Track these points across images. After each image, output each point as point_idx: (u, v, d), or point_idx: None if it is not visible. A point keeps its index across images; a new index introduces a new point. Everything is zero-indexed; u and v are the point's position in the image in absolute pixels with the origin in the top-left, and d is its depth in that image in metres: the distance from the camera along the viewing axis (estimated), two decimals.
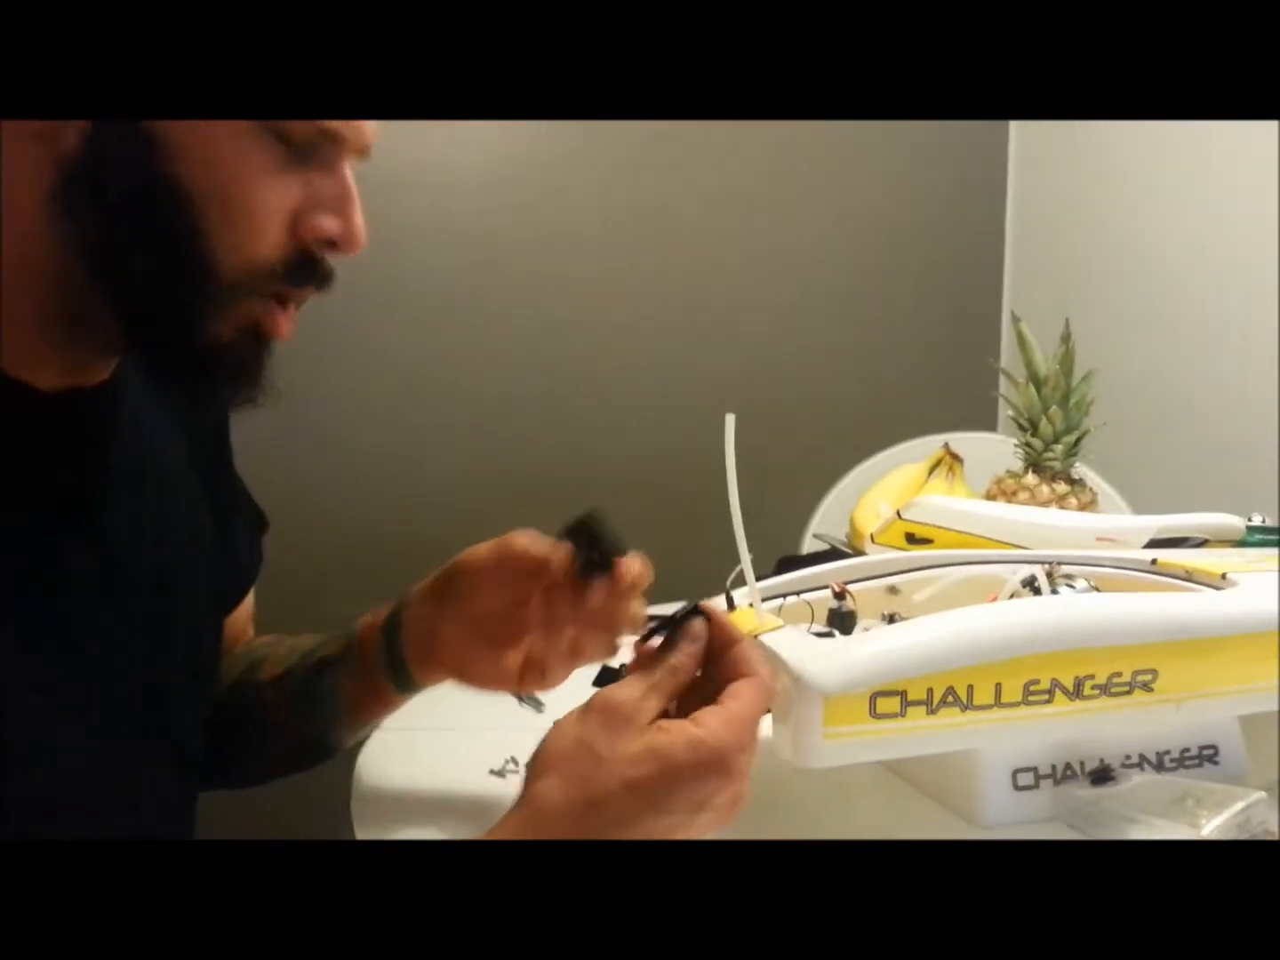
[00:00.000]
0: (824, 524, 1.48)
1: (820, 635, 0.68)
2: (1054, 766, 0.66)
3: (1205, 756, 0.69)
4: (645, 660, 0.53)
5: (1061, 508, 1.06)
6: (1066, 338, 1.07)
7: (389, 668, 0.68)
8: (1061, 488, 1.07)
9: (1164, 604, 0.65)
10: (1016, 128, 1.79)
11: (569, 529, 0.62)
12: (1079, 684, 0.62)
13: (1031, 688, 0.61)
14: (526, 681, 0.66)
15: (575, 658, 0.65)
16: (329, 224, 0.55)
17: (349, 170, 0.56)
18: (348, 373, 1.44)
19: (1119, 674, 0.63)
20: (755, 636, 0.63)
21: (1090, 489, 1.09)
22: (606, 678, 0.57)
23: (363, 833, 0.65)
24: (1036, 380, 1.09)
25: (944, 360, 1.75)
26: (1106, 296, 1.63)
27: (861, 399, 1.73)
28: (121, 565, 0.57)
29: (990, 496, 1.11)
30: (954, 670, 0.59)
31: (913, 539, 0.97)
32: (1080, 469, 1.13)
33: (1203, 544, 0.94)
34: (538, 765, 0.49)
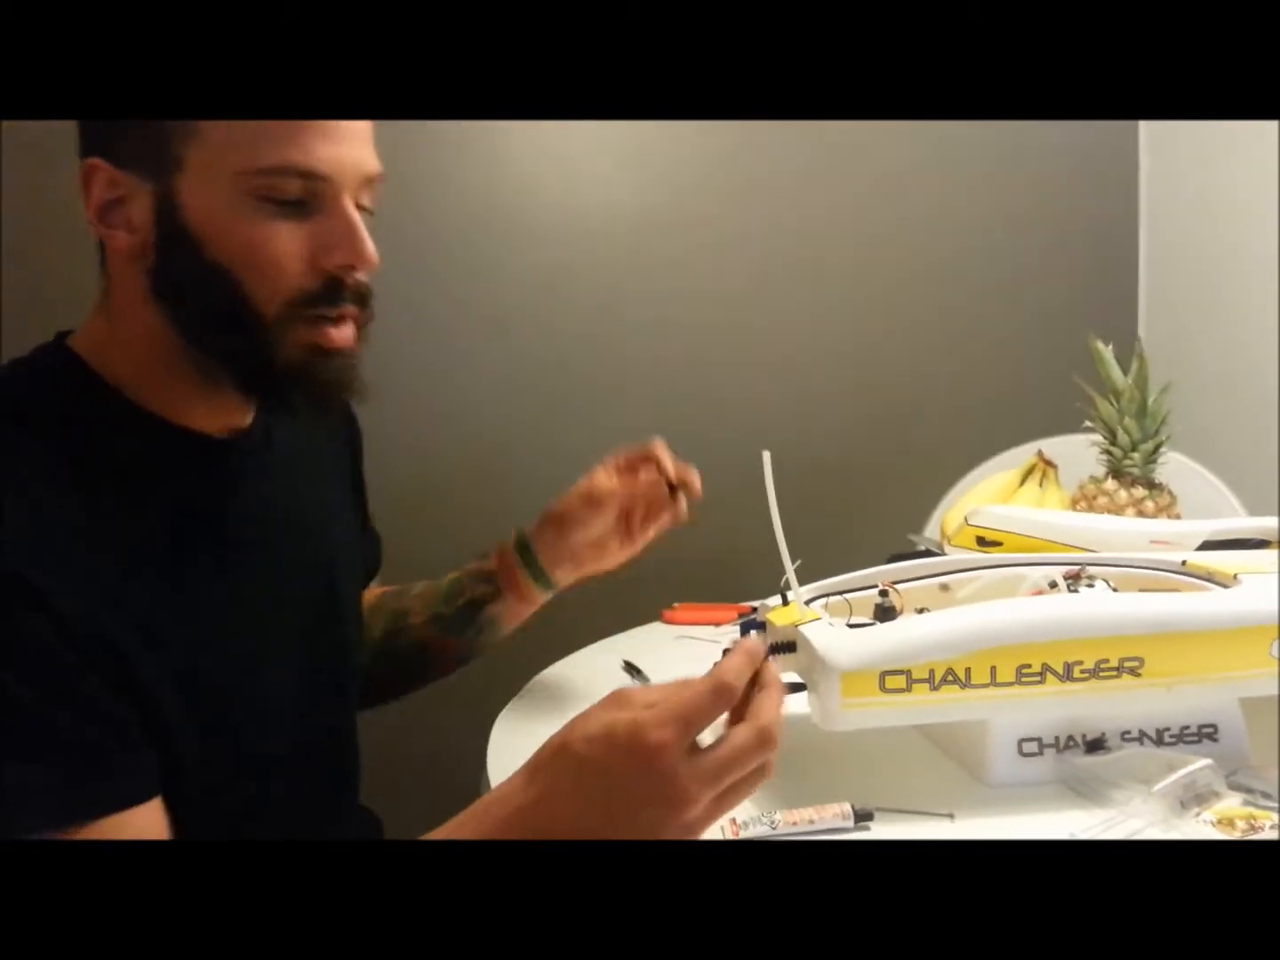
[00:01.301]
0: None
1: (857, 626, 0.82)
2: (1057, 737, 0.77)
3: (1205, 734, 0.79)
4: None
5: (1139, 511, 1.15)
6: (1140, 355, 1.15)
7: (533, 578, 0.95)
8: (1140, 492, 1.15)
9: (1147, 602, 0.76)
10: (1146, 141, 1.81)
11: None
12: (1068, 668, 0.74)
13: (1024, 670, 0.74)
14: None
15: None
16: (339, 256, 0.67)
17: (349, 207, 0.68)
18: (499, 369, 1.62)
19: (1106, 660, 0.74)
20: (796, 626, 0.78)
21: (1169, 493, 1.16)
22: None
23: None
24: (1115, 393, 1.17)
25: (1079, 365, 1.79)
26: (1238, 304, 1.65)
27: (996, 402, 1.79)
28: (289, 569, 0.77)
29: (1075, 501, 1.21)
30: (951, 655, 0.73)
31: (983, 542, 1.08)
32: (1183, 468, 1.21)
33: (1260, 545, 1.02)
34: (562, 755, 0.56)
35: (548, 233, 1.61)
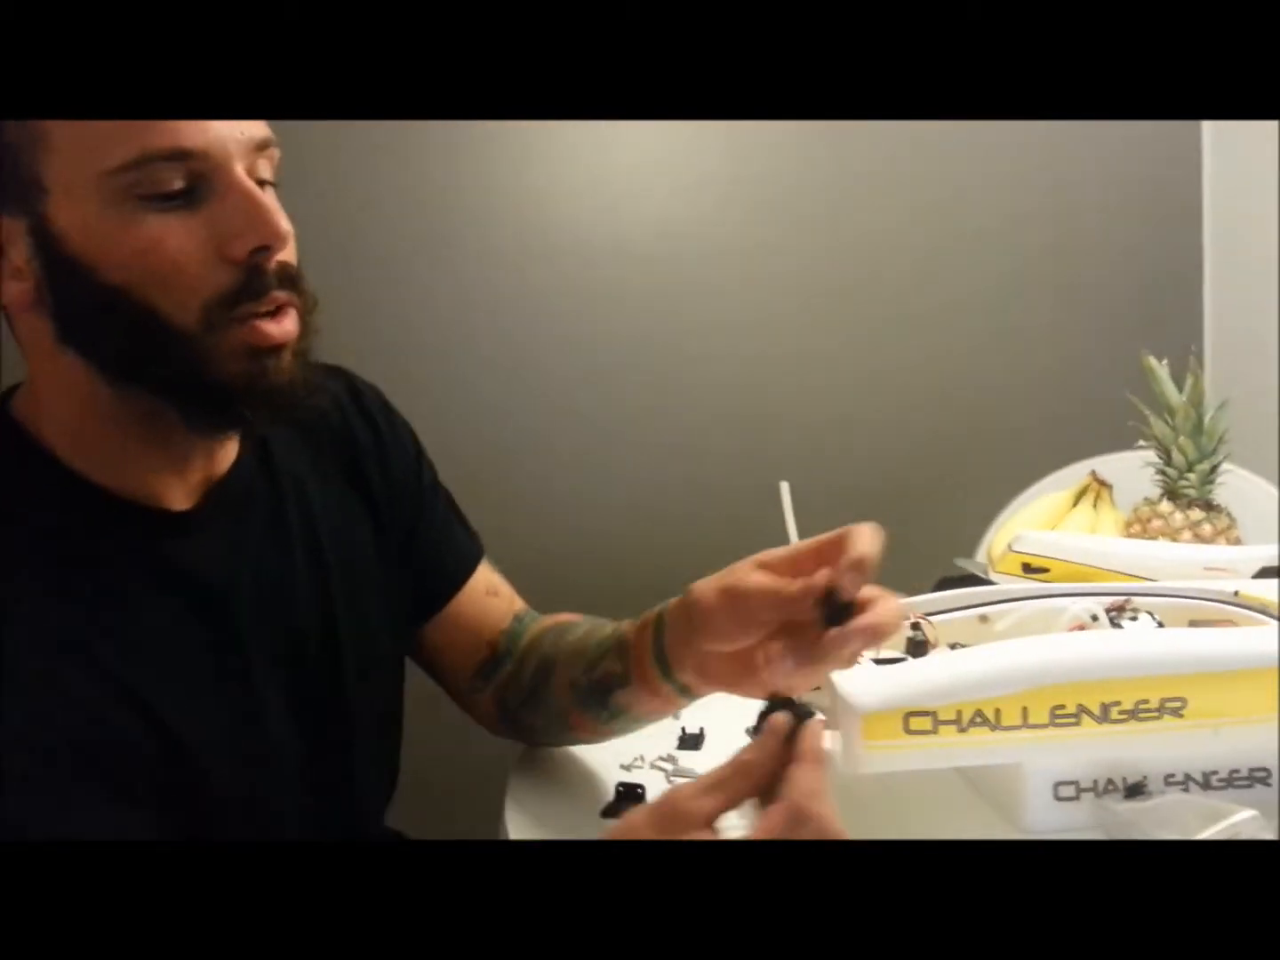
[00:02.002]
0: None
1: (885, 662, 0.79)
2: (1095, 781, 0.74)
3: (1257, 778, 0.75)
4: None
5: (1195, 534, 1.10)
6: (1195, 371, 1.10)
7: (673, 687, 0.75)
8: (1196, 514, 1.11)
9: (1189, 639, 0.72)
10: (1209, 142, 1.75)
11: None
12: (1105, 709, 0.70)
13: (1057, 711, 0.70)
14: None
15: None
16: (248, 239, 0.60)
17: (244, 180, 0.60)
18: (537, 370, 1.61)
19: (1145, 701, 0.71)
20: None
21: (1227, 515, 1.11)
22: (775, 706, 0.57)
23: (513, 806, 0.82)
24: (1170, 411, 1.12)
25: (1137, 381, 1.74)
26: None
27: (1051, 419, 1.74)
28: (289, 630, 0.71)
29: (1128, 524, 1.16)
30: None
31: (1029, 569, 1.05)
32: (1247, 490, 1.16)
33: None
34: (610, 829, 0.55)
35: (591, 253, 1.61)
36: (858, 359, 1.69)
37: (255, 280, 0.61)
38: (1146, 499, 1.15)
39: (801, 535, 0.74)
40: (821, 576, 0.64)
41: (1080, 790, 0.74)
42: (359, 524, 0.79)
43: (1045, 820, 0.73)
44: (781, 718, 0.54)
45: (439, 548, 0.85)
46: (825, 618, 0.63)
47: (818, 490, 1.63)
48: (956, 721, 0.70)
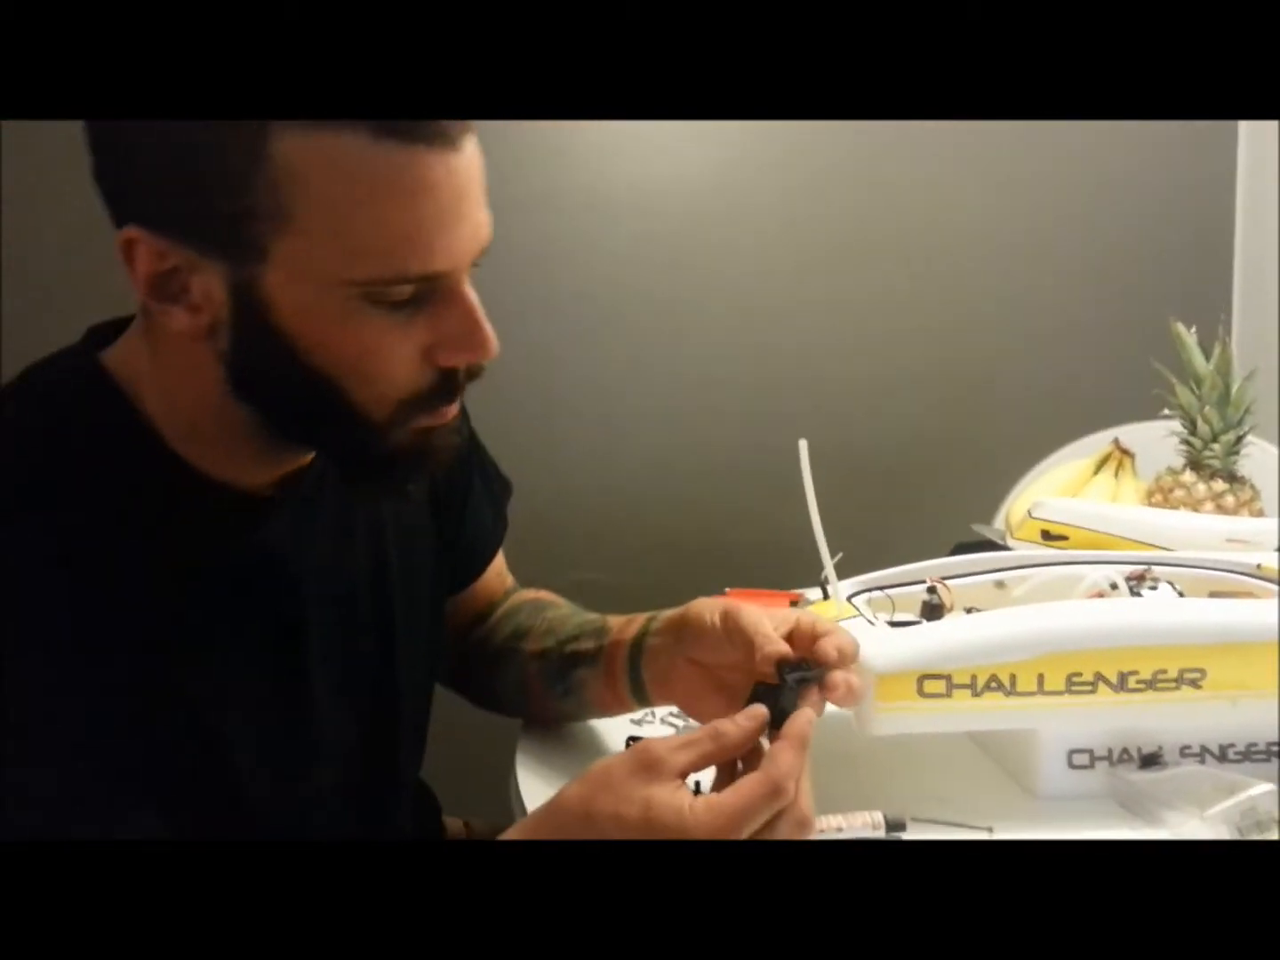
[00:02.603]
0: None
1: (900, 625, 0.78)
2: (1110, 749, 0.73)
3: (1275, 752, 0.74)
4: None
5: (1218, 506, 1.08)
6: (1224, 340, 1.08)
7: (631, 683, 0.76)
8: (1219, 486, 1.09)
9: (1210, 609, 0.71)
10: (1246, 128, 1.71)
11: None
12: (1123, 678, 0.70)
13: (1074, 678, 0.70)
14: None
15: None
16: (459, 353, 0.60)
17: (469, 295, 0.59)
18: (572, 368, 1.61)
19: (1164, 671, 0.70)
20: (835, 622, 0.74)
21: (1251, 487, 1.10)
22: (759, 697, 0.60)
23: (523, 763, 0.82)
24: (1196, 380, 1.11)
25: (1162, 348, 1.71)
26: None
27: (1073, 385, 1.72)
28: (345, 613, 0.70)
29: (1150, 494, 1.14)
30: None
31: (1048, 536, 1.03)
32: (1273, 461, 1.14)
33: None
34: (587, 770, 0.56)
35: (612, 208, 1.58)
36: (877, 321, 1.67)
37: (452, 383, 0.61)
38: (1169, 468, 1.13)
39: (819, 496, 0.73)
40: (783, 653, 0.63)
41: (1094, 759, 0.73)
42: (419, 507, 0.79)
43: (1058, 787, 0.73)
44: (762, 710, 0.57)
45: (476, 532, 0.86)
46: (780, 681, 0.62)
47: (836, 453, 1.63)
48: (971, 686, 0.69)
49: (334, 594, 0.70)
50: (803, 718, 0.57)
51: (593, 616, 0.84)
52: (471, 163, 0.57)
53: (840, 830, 0.66)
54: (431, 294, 0.58)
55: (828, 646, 0.63)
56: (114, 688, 0.55)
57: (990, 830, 0.69)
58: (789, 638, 0.65)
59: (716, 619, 0.69)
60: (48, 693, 0.54)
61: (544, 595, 0.91)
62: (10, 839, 0.51)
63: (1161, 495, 1.12)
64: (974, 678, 0.69)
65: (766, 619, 0.67)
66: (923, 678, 0.69)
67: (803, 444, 0.72)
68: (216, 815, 0.60)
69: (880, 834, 0.66)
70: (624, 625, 0.79)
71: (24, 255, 1.35)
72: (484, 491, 0.87)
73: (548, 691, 0.82)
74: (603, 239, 1.58)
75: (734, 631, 0.67)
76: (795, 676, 0.61)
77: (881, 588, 0.83)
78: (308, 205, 0.54)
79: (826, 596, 0.80)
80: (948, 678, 0.69)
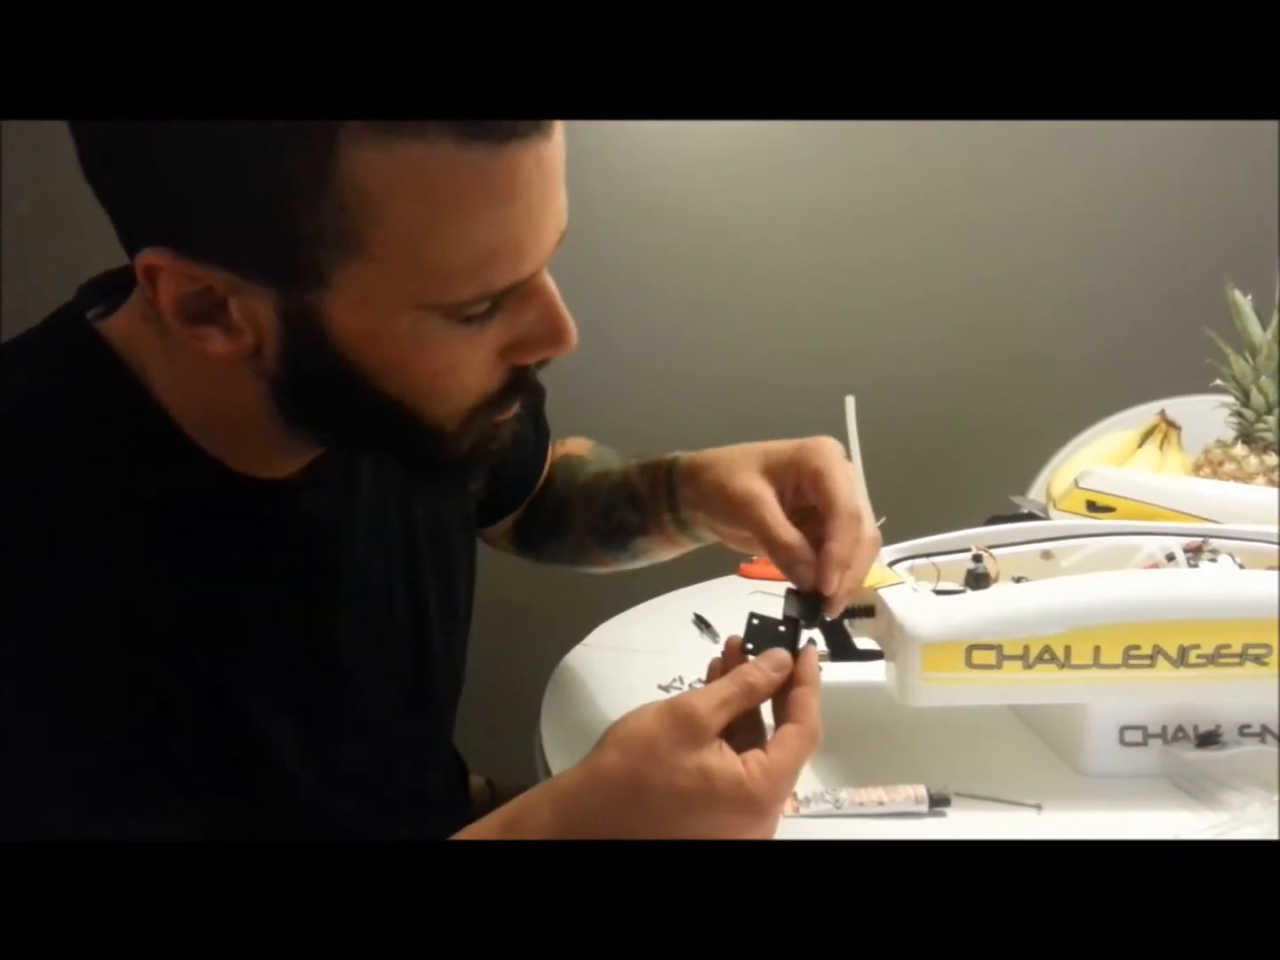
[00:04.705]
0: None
1: (945, 594, 0.75)
2: (1164, 727, 0.69)
3: None
4: (731, 671, 0.56)
5: (1270, 481, 1.04)
6: None
7: (683, 534, 0.77)
8: (1272, 460, 1.05)
9: (1274, 584, 0.67)
10: None
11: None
12: (1183, 652, 0.66)
13: (1132, 651, 0.66)
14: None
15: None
16: (539, 350, 0.54)
17: (550, 289, 0.53)
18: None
19: (1228, 645, 0.66)
20: (875, 590, 0.71)
21: None
22: (758, 632, 0.59)
23: (548, 723, 0.80)
24: (1251, 349, 1.06)
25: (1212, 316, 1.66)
26: None
27: (1117, 355, 1.67)
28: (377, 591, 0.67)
29: (1198, 467, 1.10)
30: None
31: (1094, 507, 0.99)
32: None
33: None
34: (613, 735, 0.53)
35: (651, 175, 1.54)
36: (916, 286, 1.63)
37: (524, 381, 0.56)
38: (1219, 441, 1.09)
39: (863, 453, 0.69)
40: (806, 560, 0.63)
41: (1148, 736, 0.70)
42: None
43: (1107, 764, 0.70)
44: (786, 657, 0.56)
45: (519, 458, 0.82)
46: (793, 607, 0.63)
47: (873, 419, 1.59)
48: (1023, 657, 0.66)
49: (365, 568, 0.66)
50: (811, 656, 0.57)
51: (616, 477, 0.82)
52: (560, 145, 0.50)
53: (882, 803, 0.63)
54: (510, 297, 0.52)
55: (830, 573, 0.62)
56: (139, 676, 0.51)
57: (1039, 808, 0.66)
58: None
59: (715, 491, 0.70)
60: (71, 688, 0.49)
61: (571, 450, 0.87)
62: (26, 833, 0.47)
63: (1211, 468, 1.08)
64: (1026, 649, 0.66)
65: (764, 509, 0.66)
66: (972, 648, 0.66)
67: (850, 401, 0.68)
68: (249, 791, 0.56)
69: (923, 809, 0.63)
70: (651, 490, 0.78)
71: (24, 256, 1.32)
72: (533, 419, 0.82)
73: (618, 559, 0.83)
74: (630, 201, 1.54)
75: (735, 512, 0.68)
76: (795, 611, 0.61)
77: (924, 555, 0.79)
78: (381, 229, 0.47)
79: None
80: (998, 648, 0.66)
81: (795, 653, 0.57)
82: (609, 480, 0.82)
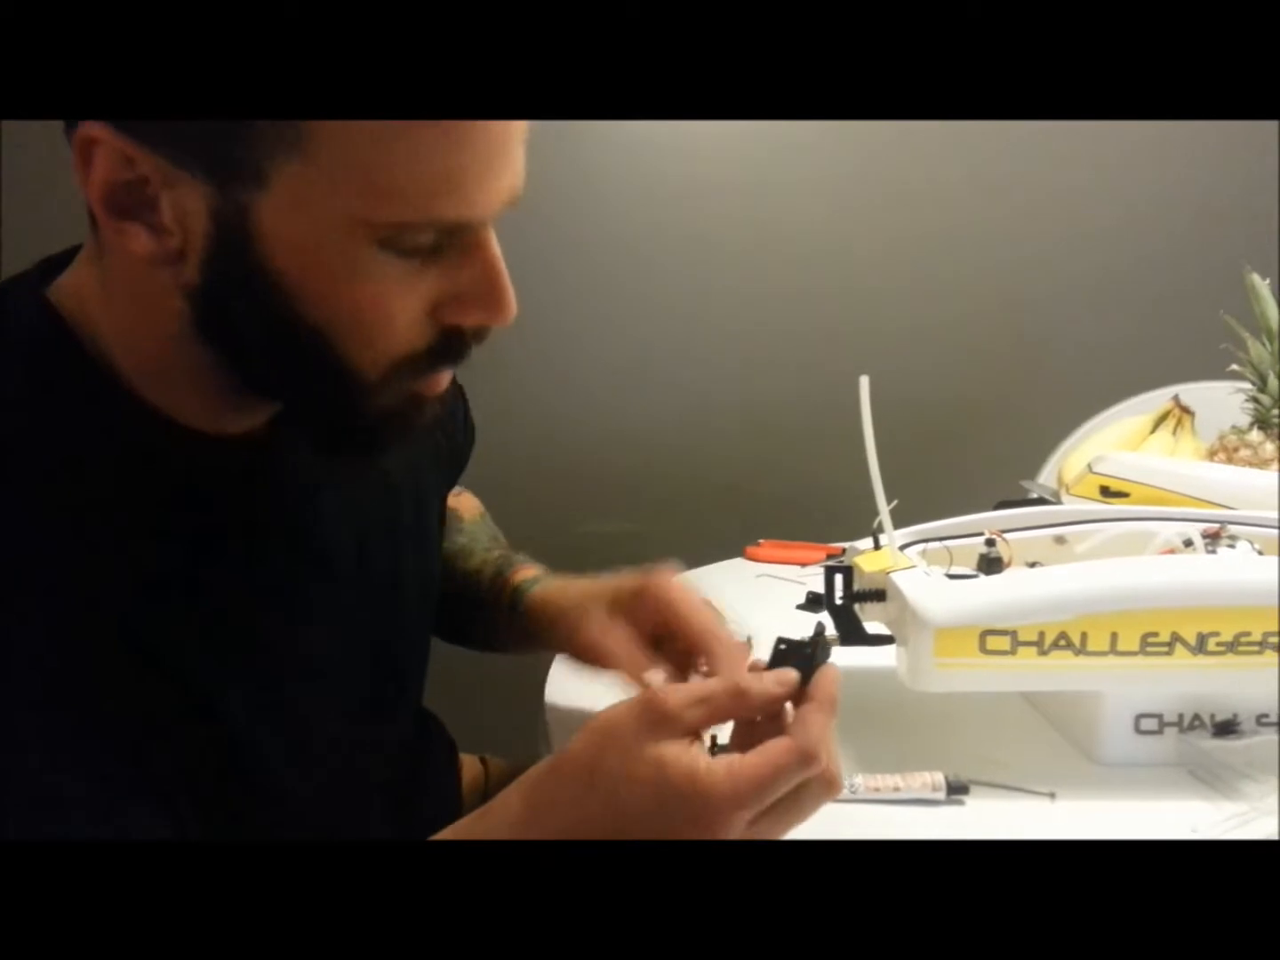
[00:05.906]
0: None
1: (957, 578, 0.73)
2: (1180, 715, 0.68)
3: None
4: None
5: None
6: None
7: (513, 644, 0.79)
8: None
9: None
10: None
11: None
12: (1202, 639, 0.65)
13: (1150, 639, 0.65)
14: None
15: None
16: (471, 311, 0.52)
17: (494, 247, 0.52)
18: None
19: (1248, 633, 0.65)
20: (887, 574, 0.70)
21: None
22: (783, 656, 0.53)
23: (553, 700, 0.79)
24: (1269, 333, 1.04)
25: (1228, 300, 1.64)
26: None
27: (1130, 339, 1.65)
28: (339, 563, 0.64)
29: (1212, 453, 1.09)
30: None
31: (1108, 492, 0.98)
32: None
33: None
34: (586, 724, 0.51)
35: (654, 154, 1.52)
36: (925, 269, 1.61)
37: (457, 346, 0.53)
38: (1234, 427, 1.07)
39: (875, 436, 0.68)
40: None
41: (1164, 724, 0.68)
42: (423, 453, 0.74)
43: (1122, 752, 0.68)
44: (793, 675, 0.50)
45: (457, 438, 0.81)
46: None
47: (885, 402, 1.57)
48: (1038, 643, 0.65)
49: (330, 531, 0.63)
50: (830, 676, 0.51)
51: (475, 562, 0.82)
52: None
53: (897, 790, 0.62)
54: (452, 243, 0.50)
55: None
56: (95, 647, 0.49)
57: (1053, 796, 0.64)
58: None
59: (587, 654, 0.70)
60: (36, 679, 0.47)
61: (454, 506, 0.85)
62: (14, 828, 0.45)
63: (1225, 454, 1.06)
64: (1041, 635, 0.64)
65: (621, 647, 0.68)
66: (986, 633, 0.64)
67: (864, 380, 0.66)
68: (209, 760, 0.54)
69: (940, 796, 0.62)
70: (495, 597, 0.79)
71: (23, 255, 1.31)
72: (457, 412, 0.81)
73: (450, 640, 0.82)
74: (634, 180, 1.52)
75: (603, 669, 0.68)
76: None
77: (935, 539, 0.78)
78: (325, 130, 0.46)
79: (878, 546, 0.75)
80: (1013, 634, 0.64)
81: (808, 672, 0.51)
82: (469, 561, 0.83)
